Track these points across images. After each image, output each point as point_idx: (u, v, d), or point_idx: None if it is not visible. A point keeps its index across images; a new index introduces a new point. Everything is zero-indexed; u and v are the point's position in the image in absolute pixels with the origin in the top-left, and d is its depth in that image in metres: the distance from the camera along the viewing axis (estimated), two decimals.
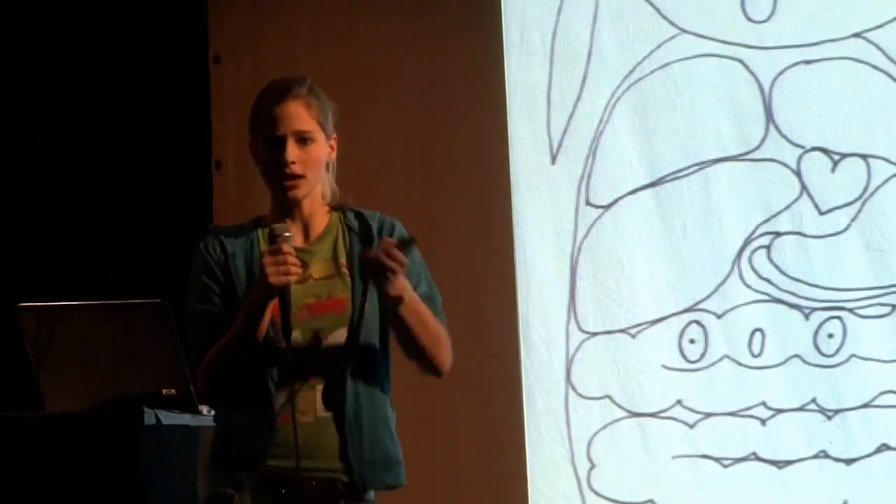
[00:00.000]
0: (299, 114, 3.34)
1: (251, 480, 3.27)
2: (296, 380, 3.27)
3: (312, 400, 3.30)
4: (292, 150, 3.32)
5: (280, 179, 3.34)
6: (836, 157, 5.19)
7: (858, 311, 5.13)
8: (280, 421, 3.28)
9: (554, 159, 5.39)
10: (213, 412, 3.53)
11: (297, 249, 3.28)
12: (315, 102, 3.36)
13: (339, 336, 3.32)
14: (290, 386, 3.26)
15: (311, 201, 3.39)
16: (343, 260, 3.37)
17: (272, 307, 3.26)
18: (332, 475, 3.30)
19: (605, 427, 5.26)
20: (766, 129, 5.23)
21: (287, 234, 3.27)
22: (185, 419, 4.11)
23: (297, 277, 3.24)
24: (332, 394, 3.30)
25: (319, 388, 3.30)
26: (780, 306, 5.18)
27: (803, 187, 5.20)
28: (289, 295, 3.24)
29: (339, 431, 3.30)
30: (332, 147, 3.42)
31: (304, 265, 3.31)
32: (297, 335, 3.28)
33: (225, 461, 3.32)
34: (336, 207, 3.44)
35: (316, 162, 3.35)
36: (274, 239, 3.26)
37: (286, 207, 3.39)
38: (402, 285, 3.24)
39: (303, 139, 3.34)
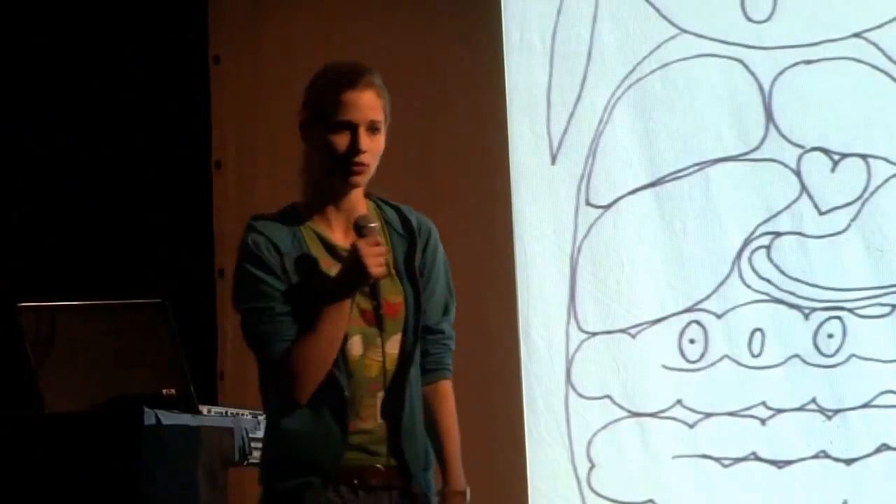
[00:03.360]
0: (373, 103, 3.28)
1: (324, 484, 3.25)
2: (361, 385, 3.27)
3: (373, 407, 3.28)
4: (364, 140, 3.27)
5: (347, 166, 3.27)
6: (836, 157, 5.19)
7: (858, 311, 5.13)
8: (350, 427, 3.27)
9: (554, 159, 5.39)
10: (262, 414, 3.44)
11: (334, 247, 3.27)
12: (384, 93, 3.32)
13: (395, 343, 3.29)
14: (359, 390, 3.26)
15: (358, 192, 3.35)
16: (390, 261, 3.32)
17: None
18: (394, 469, 3.31)
19: (605, 427, 5.26)
20: (766, 129, 5.23)
21: (373, 224, 3.25)
22: (185, 419, 4.11)
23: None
24: (391, 402, 3.28)
25: (380, 395, 3.28)
26: (780, 306, 5.18)
27: (803, 187, 5.20)
28: (379, 286, 3.23)
29: (394, 439, 3.29)
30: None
31: None
32: (356, 340, 3.26)
33: (295, 465, 3.26)
34: (368, 195, 3.40)
35: (378, 153, 3.31)
36: (361, 231, 3.23)
37: (334, 197, 3.34)
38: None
39: (373, 129, 3.29)
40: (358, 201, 3.33)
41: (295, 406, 3.24)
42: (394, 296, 3.30)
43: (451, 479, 3.38)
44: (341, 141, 3.28)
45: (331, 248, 3.29)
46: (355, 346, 3.25)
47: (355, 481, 3.26)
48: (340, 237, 3.31)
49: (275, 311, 3.25)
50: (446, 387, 3.42)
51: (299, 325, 3.23)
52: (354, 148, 3.26)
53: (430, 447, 3.37)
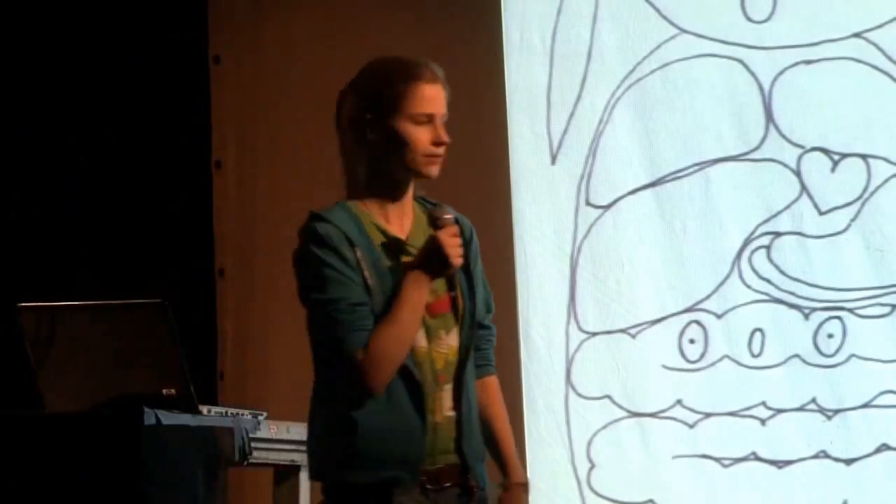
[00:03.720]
0: (443, 98, 3.29)
1: (413, 479, 3.23)
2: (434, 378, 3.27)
3: (441, 400, 3.27)
4: (444, 131, 3.28)
5: (427, 155, 3.27)
6: (836, 157, 5.19)
7: (858, 311, 5.13)
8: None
9: (554, 159, 5.39)
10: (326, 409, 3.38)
11: (399, 241, 3.27)
12: (447, 87, 3.33)
13: (454, 335, 3.30)
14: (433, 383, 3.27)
15: (410, 187, 3.36)
16: None
17: None
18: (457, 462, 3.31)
19: (605, 427, 5.26)
20: (766, 129, 5.23)
21: (448, 216, 3.26)
22: (185, 419, 4.10)
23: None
24: (456, 394, 3.29)
25: (447, 387, 3.28)
26: (780, 306, 5.18)
27: (803, 187, 5.20)
28: (456, 278, 3.26)
29: (457, 430, 3.29)
30: None
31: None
32: (420, 333, 3.25)
33: (378, 460, 3.23)
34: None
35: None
36: (436, 223, 3.24)
37: (394, 190, 3.32)
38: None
39: (441, 123, 3.30)
40: (410, 200, 3.34)
41: (369, 397, 3.20)
42: (450, 290, 3.30)
43: (512, 471, 3.42)
44: (423, 133, 3.26)
45: (392, 242, 3.28)
46: (420, 338, 3.25)
47: (424, 478, 3.25)
48: (397, 230, 3.30)
49: (352, 301, 3.21)
50: (495, 381, 3.45)
51: (375, 315, 3.21)
52: (439, 139, 3.26)
53: (482, 441, 3.38)
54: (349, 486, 3.24)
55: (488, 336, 3.44)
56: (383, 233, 3.28)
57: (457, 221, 3.32)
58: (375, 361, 3.19)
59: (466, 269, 3.32)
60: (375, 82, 3.30)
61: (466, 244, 3.32)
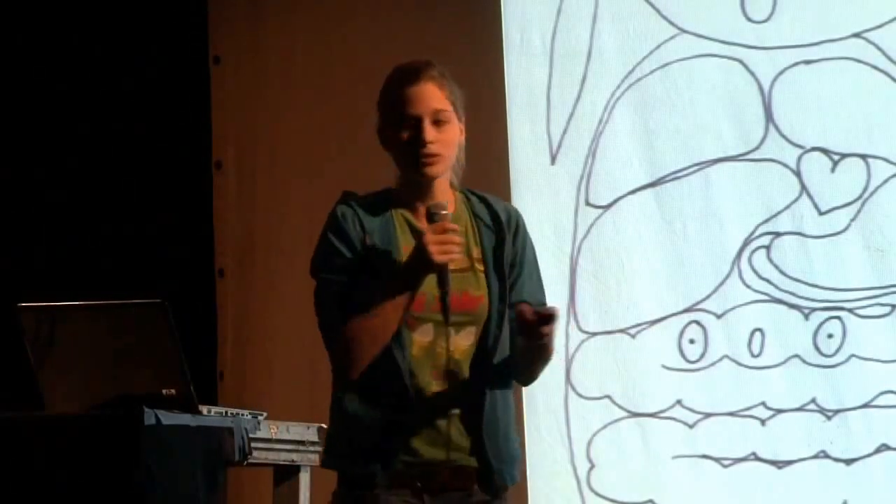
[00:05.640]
0: (434, 94, 3.31)
1: (385, 474, 3.23)
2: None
3: (444, 399, 3.26)
4: (430, 130, 3.29)
5: (418, 157, 3.29)
6: (836, 157, 5.19)
7: (858, 311, 5.13)
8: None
9: (554, 159, 5.39)
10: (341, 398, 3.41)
11: (420, 233, 3.25)
12: (447, 84, 3.34)
13: (468, 334, 3.28)
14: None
15: (442, 184, 3.36)
16: (476, 254, 3.32)
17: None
18: (462, 466, 3.27)
19: (605, 427, 5.26)
20: (766, 129, 5.23)
21: (445, 211, 3.24)
22: (185, 419, 4.10)
23: (459, 256, 3.23)
24: (469, 395, 3.27)
25: (447, 385, 3.26)
26: (780, 306, 5.18)
27: (803, 187, 5.20)
28: (448, 274, 3.21)
29: (471, 430, 3.27)
30: (461, 130, 3.40)
31: None
32: (429, 328, 3.26)
33: (359, 449, 3.25)
34: (460, 190, 3.41)
35: (451, 142, 3.34)
36: (432, 217, 3.23)
37: (418, 189, 3.34)
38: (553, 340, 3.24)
39: (438, 120, 3.31)
40: (443, 193, 3.35)
41: (348, 381, 3.24)
42: (475, 289, 3.29)
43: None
44: (408, 135, 3.30)
45: (417, 235, 3.28)
46: (427, 332, 3.25)
47: (418, 484, 3.25)
48: (426, 226, 3.29)
49: (344, 283, 3.25)
50: None
51: (363, 301, 3.22)
52: (419, 139, 3.28)
53: (517, 442, 3.35)
54: (343, 475, 3.28)
55: None
56: (410, 225, 3.31)
57: (492, 214, 3.34)
58: (345, 346, 3.23)
59: (500, 268, 3.31)
60: (380, 94, 3.37)
61: (514, 238, 3.33)
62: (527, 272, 3.37)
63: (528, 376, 3.43)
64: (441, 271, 3.21)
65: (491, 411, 3.29)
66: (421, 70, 3.33)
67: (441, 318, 3.24)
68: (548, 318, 3.20)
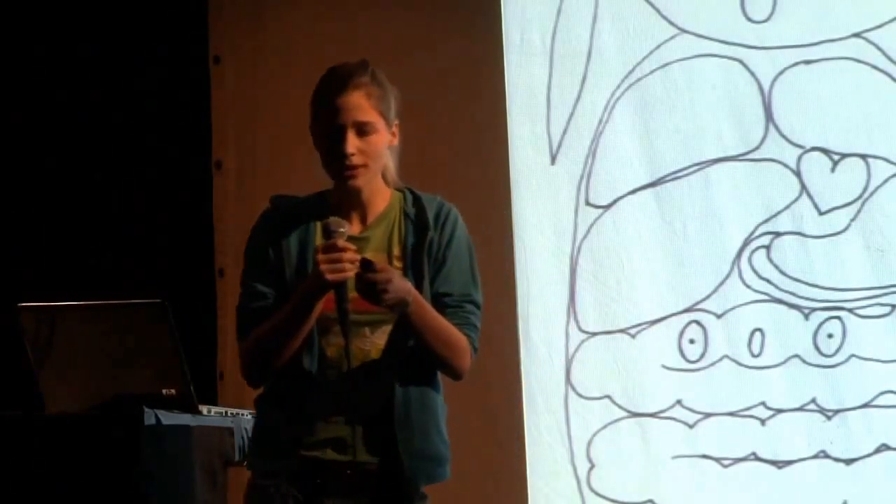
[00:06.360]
0: (360, 104, 3.31)
1: (288, 470, 3.28)
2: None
3: (349, 401, 3.29)
4: (352, 142, 3.29)
5: (340, 169, 3.32)
6: (836, 157, 5.19)
7: (858, 311, 5.13)
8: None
9: (554, 159, 5.39)
10: (258, 398, 3.47)
11: (351, 238, 3.26)
12: (376, 91, 3.34)
13: (384, 333, 3.31)
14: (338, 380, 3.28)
15: (372, 184, 3.37)
16: (396, 251, 3.35)
17: (325, 300, 3.24)
18: (368, 466, 3.29)
19: (605, 427, 5.26)
20: (766, 129, 5.23)
21: (342, 229, 3.24)
22: (185, 419, 4.11)
23: (354, 272, 3.22)
24: (377, 395, 3.29)
25: (359, 387, 3.28)
26: (780, 306, 5.18)
27: (803, 187, 5.20)
28: (345, 290, 3.22)
29: (382, 430, 3.29)
30: (393, 133, 3.39)
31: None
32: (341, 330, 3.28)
33: (267, 449, 3.33)
34: (397, 188, 3.42)
35: (376, 151, 3.33)
36: (329, 234, 3.24)
37: (346, 194, 3.37)
38: (401, 289, 3.22)
39: (363, 130, 3.31)
40: (373, 195, 3.35)
41: (253, 384, 3.34)
42: None
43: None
44: (333, 145, 3.32)
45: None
46: (337, 335, 3.27)
47: (318, 480, 3.29)
48: (357, 230, 3.33)
49: (257, 290, 3.31)
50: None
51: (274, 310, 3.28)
52: (340, 150, 3.29)
53: (440, 441, 3.36)
54: (253, 469, 3.40)
55: (459, 312, 3.38)
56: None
57: (419, 210, 3.35)
58: (246, 352, 3.31)
59: (418, 265, 3.32)
60: (313, 94, 3.38)
61: (440, 233, 3.35)
62: (452, 265, 3.37)
63: (439, 363, 3.38)
64: (336, 288, 3.21)
65: (403, 409, 3.30)
66: (349, 78, 3.33)
67: (358, 317, 3.26)
68: (366, 264, 3.20)
